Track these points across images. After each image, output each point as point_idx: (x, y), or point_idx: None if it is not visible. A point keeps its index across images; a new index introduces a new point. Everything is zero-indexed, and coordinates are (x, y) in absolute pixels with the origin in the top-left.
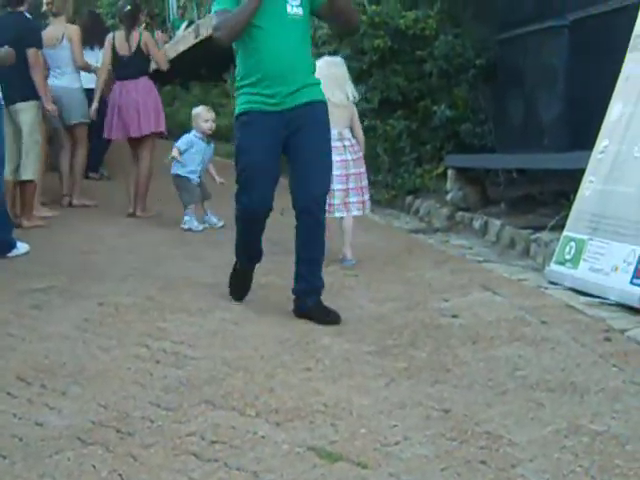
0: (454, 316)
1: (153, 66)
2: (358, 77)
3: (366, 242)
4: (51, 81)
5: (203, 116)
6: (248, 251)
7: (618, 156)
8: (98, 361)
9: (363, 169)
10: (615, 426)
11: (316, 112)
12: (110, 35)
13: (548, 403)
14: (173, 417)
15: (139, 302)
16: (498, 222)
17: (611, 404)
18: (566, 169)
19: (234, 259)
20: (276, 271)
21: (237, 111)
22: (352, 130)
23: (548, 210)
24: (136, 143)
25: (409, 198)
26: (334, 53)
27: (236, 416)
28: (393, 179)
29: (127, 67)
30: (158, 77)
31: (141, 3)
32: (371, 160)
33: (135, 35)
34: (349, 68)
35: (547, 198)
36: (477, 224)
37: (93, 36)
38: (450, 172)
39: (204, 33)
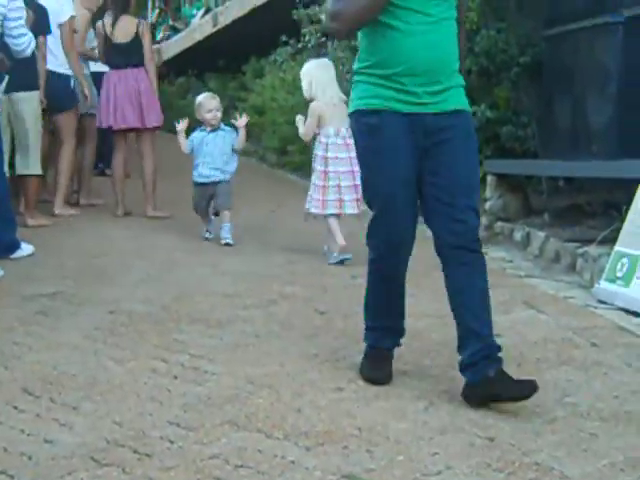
0: (496, 335)
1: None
2: None
3: None
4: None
5: (206, 105)
6: (385, 318)
7: None
8: (111, 374)
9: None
10: None
11: (467, 124)
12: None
13: (601, 433)
14: (194, 438)
15: (153, 311)
16: (541, 234)
17: None
18: (617, 178)
19: (253, 267)
20: (299, 281)
21: (357, 106)
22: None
23: (596, 222)
24: (131, 136)
25: None
26: None
27: (262, 438)
28: None
29: (125, 55)
30: (172, 67)
31: None
32: None
33: (131, 21)
34: None
35: (595, 209)
36: (518, 235)
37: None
38: (489, 178)
39: (223, 22)
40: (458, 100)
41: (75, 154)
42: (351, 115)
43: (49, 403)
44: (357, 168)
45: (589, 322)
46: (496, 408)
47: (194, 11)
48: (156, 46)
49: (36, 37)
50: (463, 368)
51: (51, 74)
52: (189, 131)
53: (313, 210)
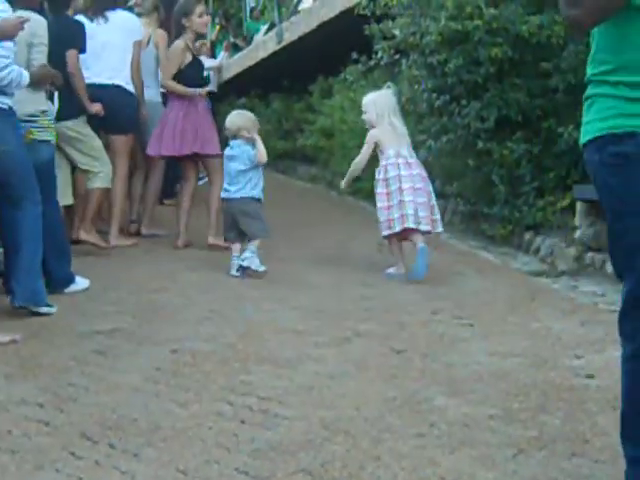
0: (589, 376)
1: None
2: (471, 92)
3: (480, 286)
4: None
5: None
6: None
7: None
8: (174, 418)
9: (430, 187)
10: None
11: None
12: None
13: None
14: None
15: (218, 350)
16: None
17: None
18: None
19: (324, 303)
20: (374, 318)
21: (598, 131)
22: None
23: None
24: (192, 163)
25: (528, 235)
26: (444, 62)
27: None
28: (510, 212)
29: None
30: (232, 87)
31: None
32: (484, 190)
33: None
34: (461, 80)
35: None
36: (611, 267)
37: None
38: (579, 205)
39: (288, 38)
40: None
41: (139, 182)
42: (589, 145)
43: (108, 449)
44: (420, 185)
45: None
46: (589, 455)
47: (260, 26)
48: (215, 64)
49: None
50: None
51: (112, 88)
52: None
53: (384, 232)
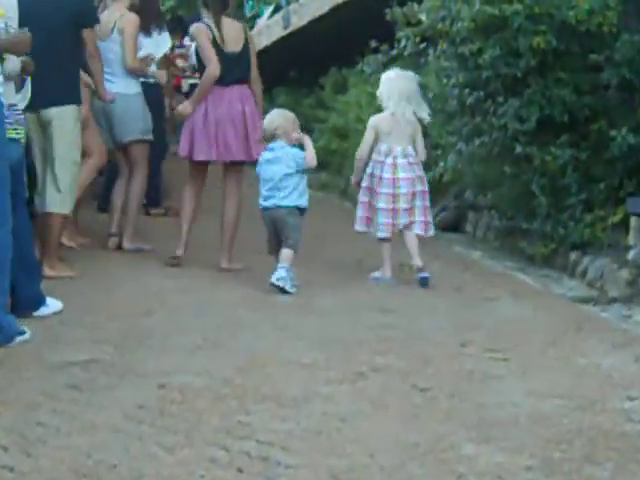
0: None
1: None
2: (509, 88)
3: (517, 314)
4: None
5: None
6: None
7: None
8: (160, 464)
9: (426, 188)
10: None
11: None
12: (202, 25)
13: None
14: None
15: (213, 385)
16: None
17: None
18: None
19: (335, 331)
20: (394, 349)
21: None
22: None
23: None
24: (205, 174)
25: (574, 255)
26: (478, 52)
27: None
28: (553, 228)
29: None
30: None
31: None
32: (523, 201)
33: (234, 24)
34: (498, 74)
35: None
36: None
37: (148, 17)
38: (634, 221)
39: (296, 23)
40: None
41: (121, 188)
42: None
43: None
44: (420, 188)
45: None
46: None
47: (264, 9)
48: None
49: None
50: None
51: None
52: None
53: (359, 229)
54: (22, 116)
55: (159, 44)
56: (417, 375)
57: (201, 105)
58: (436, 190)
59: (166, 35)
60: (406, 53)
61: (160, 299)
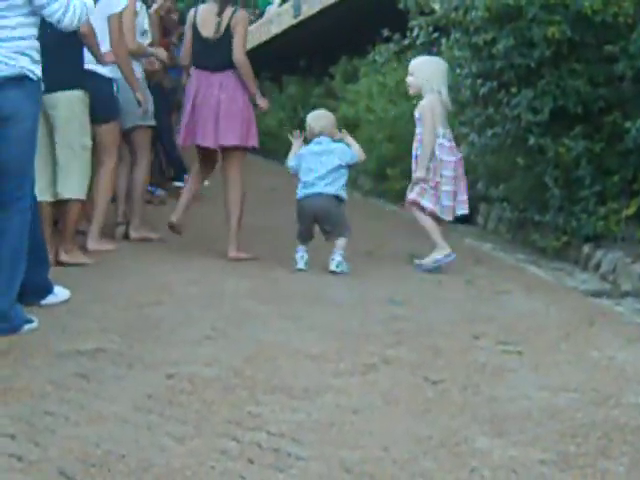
0: None
1: None
2: (523, 78)
3: (529, 308)
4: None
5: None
6: None
7: None
8: (169, 455)
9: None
10: None
11: None
12: (192, 10)
13: None
14: None
15: (222, 376)
16: None
17: None
18: None
19: (346, 323)
20: (405, 341)
21: None
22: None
23: None
24: (212, 157)
25: (587, 247)
26: (492, 42)
27: None
28: (565, 220)
29: (213, 54)
30: None
31: None
32: (536, 193)
33: (227, 11)
34: (511, 64)
35: None
36: None
37: None
38: None
39: (307, 12)
40: None
41: (124, 176)
42: None
43: None
44: (460, 171)
45: None
46: None
47: None
48: None
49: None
50: None
51: (91, 75)
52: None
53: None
54: None
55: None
56: (428, 367)
57: (190, 89)
58: None
59: None
60: (418, 42)
61: (168, 290)
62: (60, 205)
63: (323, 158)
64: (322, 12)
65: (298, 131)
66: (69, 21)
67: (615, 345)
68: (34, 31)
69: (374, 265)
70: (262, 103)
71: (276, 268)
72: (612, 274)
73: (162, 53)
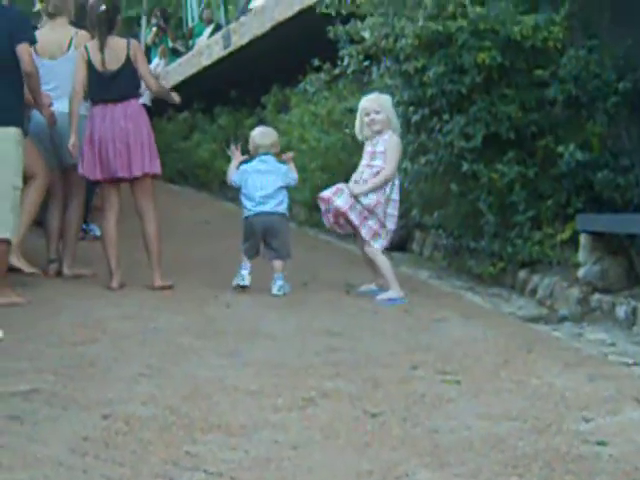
0: (600, 443)
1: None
2: (454, 105)
3: (467, 335)
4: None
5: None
6: None
7: None
8: None
9: None
10: None
11: None
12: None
13: None
14: None
15: (159, 414)
16: None
17: None
18: None
19: (282, 356)
20: (343, 373)
21: None
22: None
23: None
24: (118, 190)
25: (523, 273)
26: (422, 70)
27: None
28: (501, 246)
29: (111, 86)
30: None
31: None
32: (470, 220)
33: (118, 43)
34: (443, 91)
35: None
36: (622, 311)
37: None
38: (583, 238)
39: (237, 42)
40: None
41: (57, 211)
42: None
43: None
44: None
45: None
46: None
47: (204, 28)
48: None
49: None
50: None
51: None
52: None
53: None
54: None
55: None
56: (367, 400)
57: (87, 125)
58: None
59: None
60: (349, 71)
61: (102, 326)
62: None
63: (268, 177)
64: (252, 43)
65: (235, 145)
66: None
67: (554, 371)
68: None
69: (310, 296)
70: (176, 97)
71: (210, 303)
72: (549, 299)
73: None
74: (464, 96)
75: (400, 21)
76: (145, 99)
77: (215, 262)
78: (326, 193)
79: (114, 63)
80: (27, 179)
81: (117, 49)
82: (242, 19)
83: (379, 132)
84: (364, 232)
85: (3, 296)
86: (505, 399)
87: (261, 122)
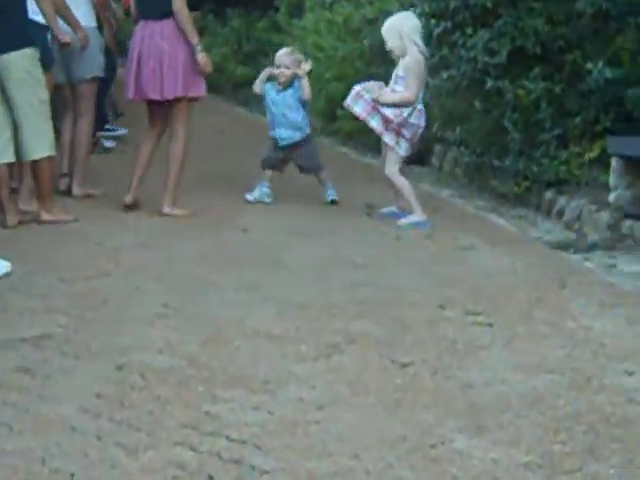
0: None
1: None
2: (479, 18)
3: (496, 266)
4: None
5: (276, 60)
6: None
7: None
8: (121, 473)
9: None
10: None
11: None
12: None
13: None
14: None
15: (176, 365)
16: None
17: None
18: None
19: (306, 293)
20: (369, 313)
21: None
22: None
23: None
24: (159, 109)
25: (549, 193)
26: None
27: None
28: (526, 165)
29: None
30: None
31: None
32: (494, 137)
33: None
34: (466, 4)
35: None
36: None
37: None
38: (614, 162)
39: None
40: None
41: (68, 126)
42: None
43: None
44: None
45: None
46: None
47: None
48: None
49: None
50: None
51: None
52: None
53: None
54: None
55: None
56: (396, 346)
57: (135, 39)
58: None
59: None
60: None
61: (116, 257)
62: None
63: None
64: None
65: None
66: None
67: (590, 313)
68: None
69: (329, 219)
70: (202, 60)
71: (228, 227)
72: (577, 222)
73: None
74: (489, 9)
75: None
76: None
77: (229, 177)
78: (349, 101)
79: None
80: None
81: None
82: None
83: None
84: (388, 138)
85: (55, 215)
86: (540, 345)
87: (274, 25)
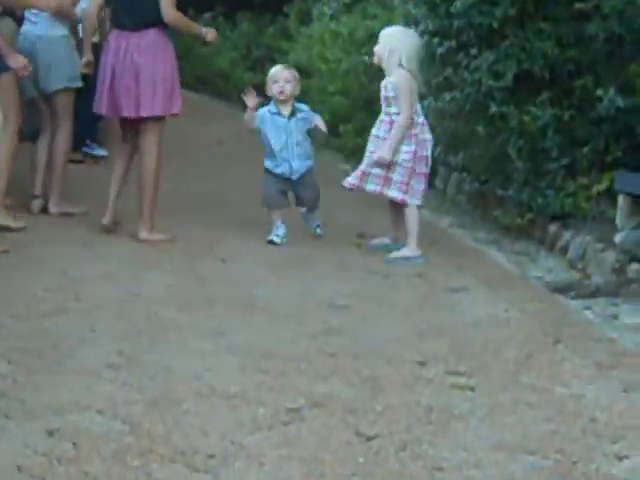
0: None
1: None
2: (484, 39)
3: (488, 314)
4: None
5: (273, 76)
6: None
7: None
8: None
9: None
10: None
11: None
12: None
13: None
14: None
15: (115, 430)
16: None
17: None
18: None
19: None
20: (341, 369)
21: None
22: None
23: None
24: (133, 125)
25: (553, 227)
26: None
27: None
28: (530, 196)
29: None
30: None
31: None
32: (498, 165)
33: None
34: (471, 24)
35: None
36: None
37: None
38: (621, 200)
39: None
40: None
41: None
42: None
43: None
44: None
45: None
46: None
47: None
48: None
49: None
50: None
51: None
52: None
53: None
54: None
55: None
56: (363, 414)
57: (108, 52)
58: None
59: None
60: None
61: (77, 291)
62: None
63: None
64: None
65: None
66: None
67: (584, 375)
68: None
69: (316, 250)
70: (210, 35)
71: (206, 256)
72: (581, 261)
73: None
74: (495, 30)
75: None
76: None
77: (221, 197)
78: (354, 181)
79: None
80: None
81: None
82: None
83: (386, 72)
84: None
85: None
86: (524, 418)
87: (283, 32)
